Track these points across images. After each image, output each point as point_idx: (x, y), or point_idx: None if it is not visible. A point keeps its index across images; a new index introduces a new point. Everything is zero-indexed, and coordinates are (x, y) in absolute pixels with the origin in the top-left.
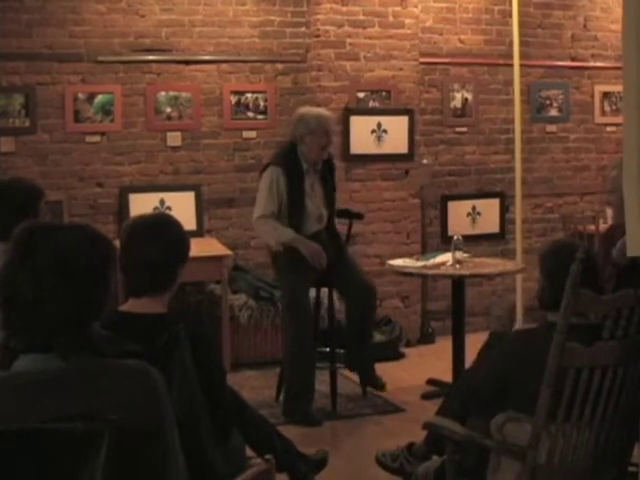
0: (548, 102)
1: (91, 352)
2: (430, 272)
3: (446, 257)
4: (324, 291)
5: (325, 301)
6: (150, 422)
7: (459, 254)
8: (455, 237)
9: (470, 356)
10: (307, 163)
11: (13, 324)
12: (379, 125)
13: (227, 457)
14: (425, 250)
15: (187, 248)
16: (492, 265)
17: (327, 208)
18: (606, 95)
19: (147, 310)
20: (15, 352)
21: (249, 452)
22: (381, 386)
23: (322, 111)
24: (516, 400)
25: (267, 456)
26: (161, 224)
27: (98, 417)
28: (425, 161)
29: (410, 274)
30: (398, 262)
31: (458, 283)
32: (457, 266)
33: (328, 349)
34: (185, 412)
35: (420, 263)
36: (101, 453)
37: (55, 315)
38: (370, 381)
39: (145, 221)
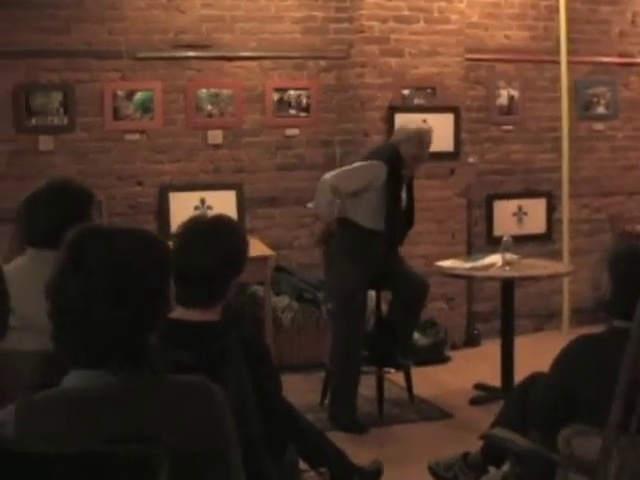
0: (595, 99)
1: (146, 368)
2: (480, 274)
3: (495, 258)
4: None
5: (371, 303)
6: (212, 444)
7: (509, 255)
8: (505, 238)
9: (519, 359)
10: (405, 169)
11: (63, 335)
12: (424, 122)
13: (281, 471)
14: (470, 251)
15: (244, 259)
16: (542, 267)
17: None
18: None
19: (199, 318)
20: (65, 367)
21: (302, 464)
22: (404, 367)
23: (422, 124)
24: (582, 411)
25: (321, 469)
26: (219, 233)
27: (154, 439)
28: (471, 159)
29: (459, 276)
30: (446, 263)
31: (508, 285)
32: (507, 268)
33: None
34: (239, 424)
35: (469, 264)
36: (160, 478)
37: (108, 326)
38: (391, 361)
39: (201, 227)
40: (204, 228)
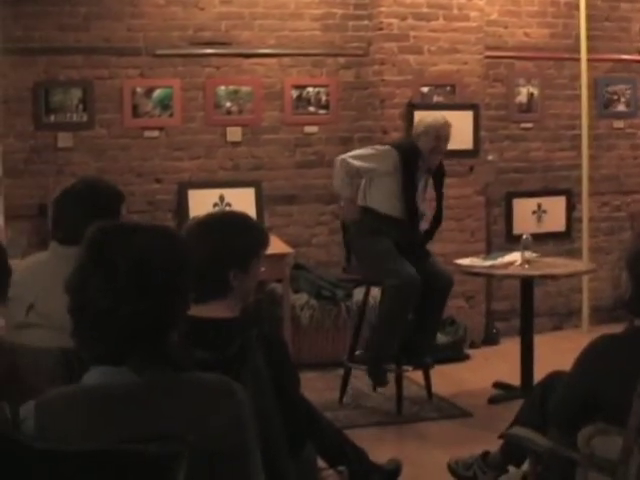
0: (615, 97)
1: (169, 366)
2: (499, 272)
3: (514, 257)
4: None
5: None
6: (231, 443)
7: (528, 254)
8: (524, 236)
9: (538, 358)
10: (422, 160)
11: (84, 332)
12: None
13: (299, 469)
14: (490, 249)
15: (240, 253)
16: (562, 265)
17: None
18: None
19: (216, 314)
20: (85, 364)
21: (320, 463)
22: (426, 365)
23: (439, 117)
24: (604, 410)
25: (340, 467)
26: (209, 229)
27: (174, 438)
28: (490, 157)
29: (478, 274)
30: (465, 261)
31: (527, 283)
32: (526, 266)
33: None
34: (258, 422)
35: (488, 262)
36: (179, 477)
37: (130, 322)
38: (415, 360)
39: (197, 223)
40: (198, 225)
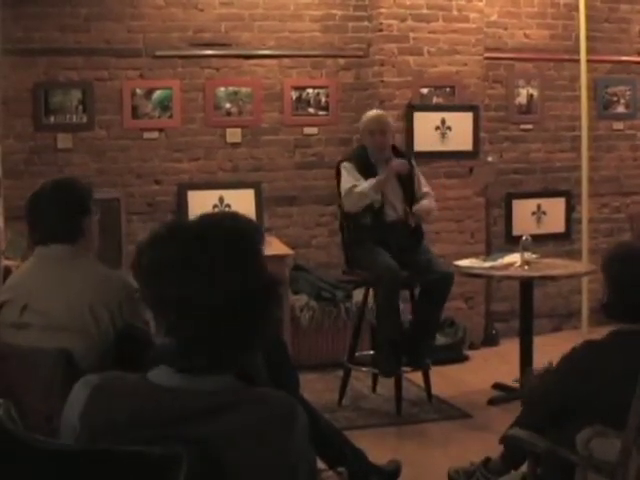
0: (615, 99)
1: (238, 376)
2: (499, 273)
3: (514, 258)
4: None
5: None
6: (279, 470)
7: (528, 255)
8: (524, 237)
9: (538, 359)
10: (374, 158)
11: (182, 334)
12: (443, 122)
13: None
14: (489, 250)
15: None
16: (561, 266)
17: (402, 202)
18: None
19: None
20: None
21: (319, 464)
22: (425, 366)
23: (378, 111)
24: (599, 414)
25: (339, 469)
26: None
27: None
28: (490, 159)
29: (478, 275)
30: (465, 263)
31: (527, 285)
32: (526, 267)
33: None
34: None
35: (488, 264)
36: (179, 478)
37: (231, 327)
38: (415, 361)
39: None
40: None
